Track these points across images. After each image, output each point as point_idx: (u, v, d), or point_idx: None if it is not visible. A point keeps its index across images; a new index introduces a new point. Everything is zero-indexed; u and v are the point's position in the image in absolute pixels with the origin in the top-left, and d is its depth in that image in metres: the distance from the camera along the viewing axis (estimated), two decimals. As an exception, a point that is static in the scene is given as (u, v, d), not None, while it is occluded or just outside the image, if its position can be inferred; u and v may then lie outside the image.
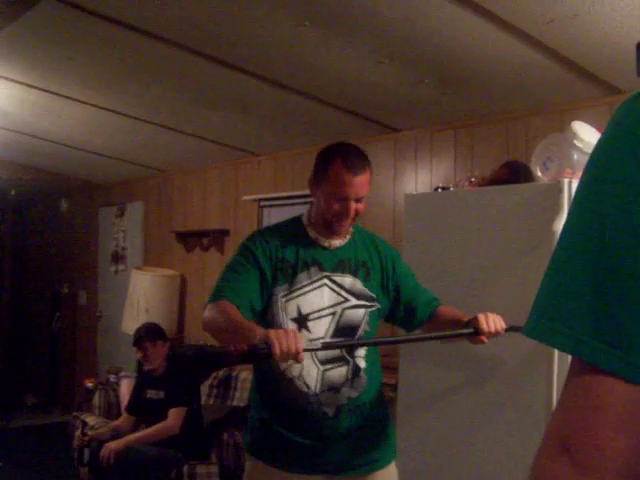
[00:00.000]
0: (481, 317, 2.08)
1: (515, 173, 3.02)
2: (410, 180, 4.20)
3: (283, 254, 2.16)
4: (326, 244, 2.21)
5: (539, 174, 2.96)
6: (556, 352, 2.55)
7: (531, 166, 3.02)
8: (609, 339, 0.64)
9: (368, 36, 2.94)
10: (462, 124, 3.89)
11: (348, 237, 2.26)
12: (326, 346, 1.99)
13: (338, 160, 2.12)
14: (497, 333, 2.08)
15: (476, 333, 2.07)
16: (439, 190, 3.37)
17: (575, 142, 2.80)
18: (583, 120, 2.93)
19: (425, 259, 3.03)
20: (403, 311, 2.31)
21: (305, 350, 1.80)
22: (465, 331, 2.10)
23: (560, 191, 2.57)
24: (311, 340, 2.10)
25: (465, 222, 2.98)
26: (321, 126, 4.26)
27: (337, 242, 2.23)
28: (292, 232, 2.24)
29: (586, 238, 0.67)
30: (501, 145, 3.70)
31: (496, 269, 2.83)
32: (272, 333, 1.76)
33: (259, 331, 1.83)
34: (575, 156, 2.80)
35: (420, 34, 2.85)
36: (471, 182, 3.31)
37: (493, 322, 2.07)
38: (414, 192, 3.93)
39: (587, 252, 0.67)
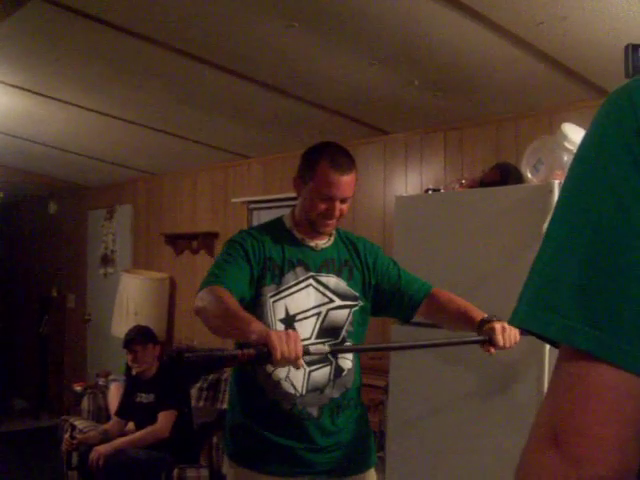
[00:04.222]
0: (498, 328, 1.98)
1: (505, 175, 3.02)
2: (400, 182, 4.20)
3: (270, 253, 2.15)
4: (312, 244, 2.22)
5: (529, 176, 2.96)
6: (547, 354, 2.56)
7: (521, 168, 3.02)
8: (602, 326, 0.63)
9: (358, 38, 2.94)
10: (452, 126, 3.89)
11: (332, 238, 2.26)
12: (333, 350, 1.93)
13: (325, 159, 2.11)
14: (508, 348, 2.00)
15: (489, 343, 1.98)
16: (429, 192, 3.37)
17: (565, 144, 2.80)
18: (573, 122, 2.94)
19: (416, 261, 3.03)
20: (392, 301, 2.29)
21: (305, 354, 1.74)
22: (477, 339, 2.01)
23: (550, 192, 2.58)
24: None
25: (455, 224, 2.99)
26: (311, 128, 4.25)
27: (322, 243, 2.23)
28: (277, 233, 2.23)
29: (578, 231, 0.67)
30: (491, 147, 3.70)
31: (487, 270, 2.83)
32: (274, 336, 1.68)
33: (255, 326, 1.77)
34: (565, 158, 2.80)
35: (410, 36, 2.85)
36: (461, 184, 3.32)
37: (509, 338, 1.98)
38: (404, 194, 3.93)
39: (580, 244, 0.66)
